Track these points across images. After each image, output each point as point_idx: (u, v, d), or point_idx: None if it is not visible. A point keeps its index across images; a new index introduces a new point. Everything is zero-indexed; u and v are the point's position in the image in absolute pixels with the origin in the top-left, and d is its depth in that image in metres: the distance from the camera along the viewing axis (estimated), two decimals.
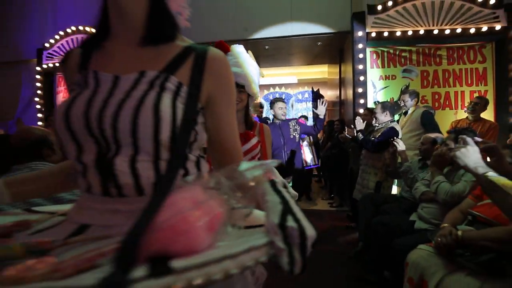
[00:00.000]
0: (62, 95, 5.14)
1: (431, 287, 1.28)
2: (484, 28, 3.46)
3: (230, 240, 0.39)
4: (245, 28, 4.48)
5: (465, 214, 1.42)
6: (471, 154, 1.06)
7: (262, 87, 6.61)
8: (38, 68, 4.99)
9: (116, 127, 0.46)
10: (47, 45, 4.90)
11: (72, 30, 4.72)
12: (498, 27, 3.44)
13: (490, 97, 3.57)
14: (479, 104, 2.98)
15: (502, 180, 0.95)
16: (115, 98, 0.48)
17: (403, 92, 3.37)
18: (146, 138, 0.46)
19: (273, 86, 6.73)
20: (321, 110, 2.99)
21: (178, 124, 0.48)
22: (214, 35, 4.55)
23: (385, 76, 3.80)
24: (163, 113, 0.46)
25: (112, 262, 0.32)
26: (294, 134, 2.66)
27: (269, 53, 5.21)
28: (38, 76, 5.00)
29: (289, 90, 6.82)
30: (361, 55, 3.67)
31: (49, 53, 4.93)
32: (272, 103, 2.81)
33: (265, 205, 0.41)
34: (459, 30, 3.50)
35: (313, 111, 3.45)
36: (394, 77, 3.79)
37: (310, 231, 0.36)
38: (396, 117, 3.34)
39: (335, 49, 5.03)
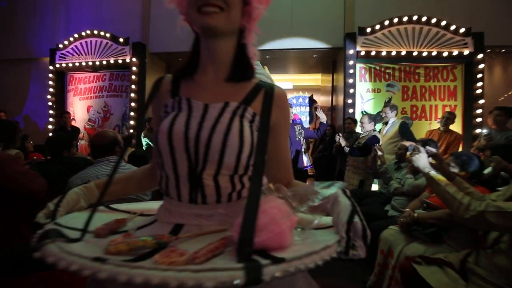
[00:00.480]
0: (72, 94, 5.42)
1: (395, 254, 1.78)
2: (455, 52, 4.06)
3: (300, 239, 0.49)
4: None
5: (422, 203, 1.94)
6: (422, 159, 1.56)
7: None
8: (50, 67, 5.25)
9: (209, 147, 0.57)
10: (60, 45, 5.18)
11: (86, 34, 5.01)
12: (466, 52, 4.05)
13: (459, 111, 4.17)
14: (449, 119, 3.55)
15: (438, 176, 1.45)
16: (207, 123, 0.58)
17: (385, 105, 3.92)
18: (231, 157, 0.57)
19: None
20: (323, 116, 3.48)
21: (254, 147, 0.59)
22: None
23: (372, 89, 4.35)
24: (245, 138, 0.58)
25: (237, 253, 0.42)
26: (299, 137, 3.12)
27: (269, 61, 5.67)
28: (50, 75, 5.26)
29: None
30: (351, 70, 4.20)
31: (62, 54, 5.21)
32: None
33: (337, 204, 0.51)
34: (434, 53, 4.09)
35: (309, 114, 3.94)
36: (379, 90, 4.34)
37: (368, 230, 0.47)
38: (379, 125, 3.89)
39: (329, 61, 5.54)
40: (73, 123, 5.31)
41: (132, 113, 4.78)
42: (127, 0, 5.48)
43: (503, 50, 4.64)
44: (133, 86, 4.80)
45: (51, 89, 5.28)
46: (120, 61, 4.86)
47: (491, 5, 4.37)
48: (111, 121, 5.17)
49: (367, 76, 4.35)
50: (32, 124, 5.92)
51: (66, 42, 5.15)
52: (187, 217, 0.59)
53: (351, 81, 4.20)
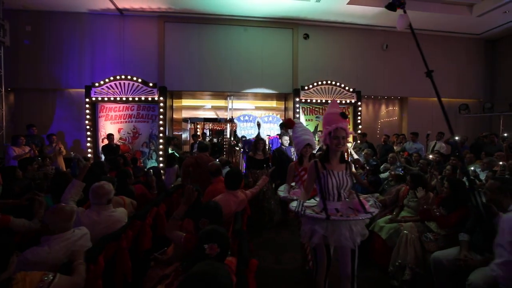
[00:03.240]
0: (103, 119, 7.27)
1: None
2: (348, 100, 7.74)
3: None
4: (245, 28, 7.84)
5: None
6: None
7: (236, 111, 9.85)
8: (87, 99, 7.01)
9: (342, 185, 2.08)
10: (96, 84, 7.01)
11: (121, 77, 6.99)
12: (353, 100, 7.77)
13: (350, 130, 7.89)
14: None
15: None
16: (341, 180, 2.08)
17: (316, 129, 7.34)
18: (348, 187, 2.10)
19: (240, 110, 10.10)
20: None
21: (352, 183, 2.15)
22: (221, 87, 7.88)
23: (308, 119, 7.75)
24: (350, 181, 2.12)
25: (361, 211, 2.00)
26: (293, 155, 5.86)
27: (246, 96, 8.61)
28: (87, 105, 7.02)
29: (251, 112, 10.30)
30: (297, 110, 7.49)
31: (96, 90, 7.03)
32: (280, 136, 5.85)
33: (375, 202, 2.17)
34: (339, 101, 7.69)
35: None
36: (311, 120, 7.78)
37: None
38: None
39: (282, 97, 8.79)
40: (105, 141, 7.15)
41: (161, 134, 7.10)
42: (145, 47, 7.65)
43: (372, 97, 8.66)
44: (161, 116, 7.11)
45: (88, 116, 7.06)
46: (149, 99, 7.07)
47: (366, 76, 8.27)
48: (140, 139, 7.29)
49: (305, 112, 7.72)
50: (65, 139, 7.54)
51: (102, 82, 7.01)
52: (337, 205, 2.05)
53: (297, 115, 7.50)
